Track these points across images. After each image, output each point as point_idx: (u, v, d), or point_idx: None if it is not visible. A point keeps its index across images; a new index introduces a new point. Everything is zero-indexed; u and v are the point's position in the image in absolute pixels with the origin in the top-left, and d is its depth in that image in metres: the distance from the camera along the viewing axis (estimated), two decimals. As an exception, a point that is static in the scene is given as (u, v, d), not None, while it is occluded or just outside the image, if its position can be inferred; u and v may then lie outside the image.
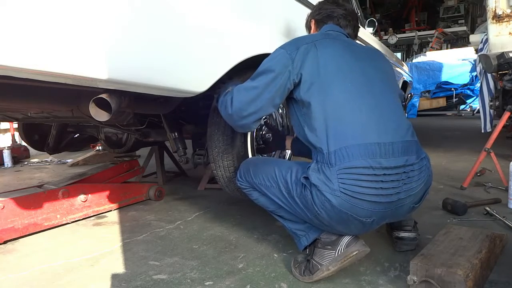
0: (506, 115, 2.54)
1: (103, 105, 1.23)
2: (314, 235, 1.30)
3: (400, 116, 1.27)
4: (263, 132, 1.93)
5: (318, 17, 1.54)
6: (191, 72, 1.33)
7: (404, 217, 1.28)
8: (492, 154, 2.38)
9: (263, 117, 1.59)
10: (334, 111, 1.19)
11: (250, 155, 1.75)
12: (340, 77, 1.24)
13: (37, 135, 2.67)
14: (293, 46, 1.30)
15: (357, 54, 1.34)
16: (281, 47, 1.33)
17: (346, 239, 1.23)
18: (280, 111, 2.11)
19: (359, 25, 1.61)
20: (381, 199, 1.13)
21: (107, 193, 2.21)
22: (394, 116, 1.25)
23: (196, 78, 1.35)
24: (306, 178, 1.20)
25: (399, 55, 13.42)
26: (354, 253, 1.21)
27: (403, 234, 1.48)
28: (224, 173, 1.70)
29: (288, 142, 1.87)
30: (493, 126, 3.81)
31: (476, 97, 7.17)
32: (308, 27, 1.64)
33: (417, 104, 8.49)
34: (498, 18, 2.87)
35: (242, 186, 1.48)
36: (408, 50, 14.06)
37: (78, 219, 2.05)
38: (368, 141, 1.14)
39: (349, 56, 1.31)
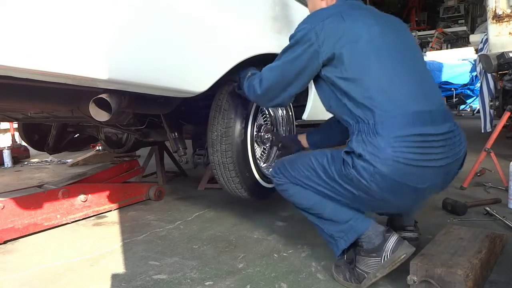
0: (506, 115, 2.54)
1: (103, 105, 1.23)
2: (354, 235, 1.24)
3: (435, 84, 1.28)
4: (262, 133, 1.92)
5: None
6: (191, 72, 1.33)
7: (448, 184, 1.29)
8: (492, 154, 2.38)
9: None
10: (376, 83, 1.17)
11: (249, 141, 1.73)
12: (376, 49, 1.20)
13: (37, 135, 2.68)
14: (316, 19, 1.23)
15: (386, 24, 1.29)
16: (304, 22, 1.27)
17: (390, 244, 1.19)
18: (280, 111, 2.11)
19: None
20: (432, 164, 1.13)
21: (107, 193, 2.21)
22: (431, 85, 1.26)
23: (196, 78, 1.35)
24: (348, 152, 1.17)
25: (399, 55, 13.38)
26: (402, 257, 1.18)
27: (404, 234, 1.47)
28: (220, 158, 1.68)
29: (302, 140, 1.79)
30: (493, 126, 3.81)
31: (476, 97, 7.15)
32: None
33: (417, 104, 8.47)
34: (498, 18, 2.87)
35: (279, 181, 1.39)
36: (408, 50, 14.04)
37: (78, 219, 2.05)
38: (413, 109, 1.14)
39: (381, 27, 1.25)
